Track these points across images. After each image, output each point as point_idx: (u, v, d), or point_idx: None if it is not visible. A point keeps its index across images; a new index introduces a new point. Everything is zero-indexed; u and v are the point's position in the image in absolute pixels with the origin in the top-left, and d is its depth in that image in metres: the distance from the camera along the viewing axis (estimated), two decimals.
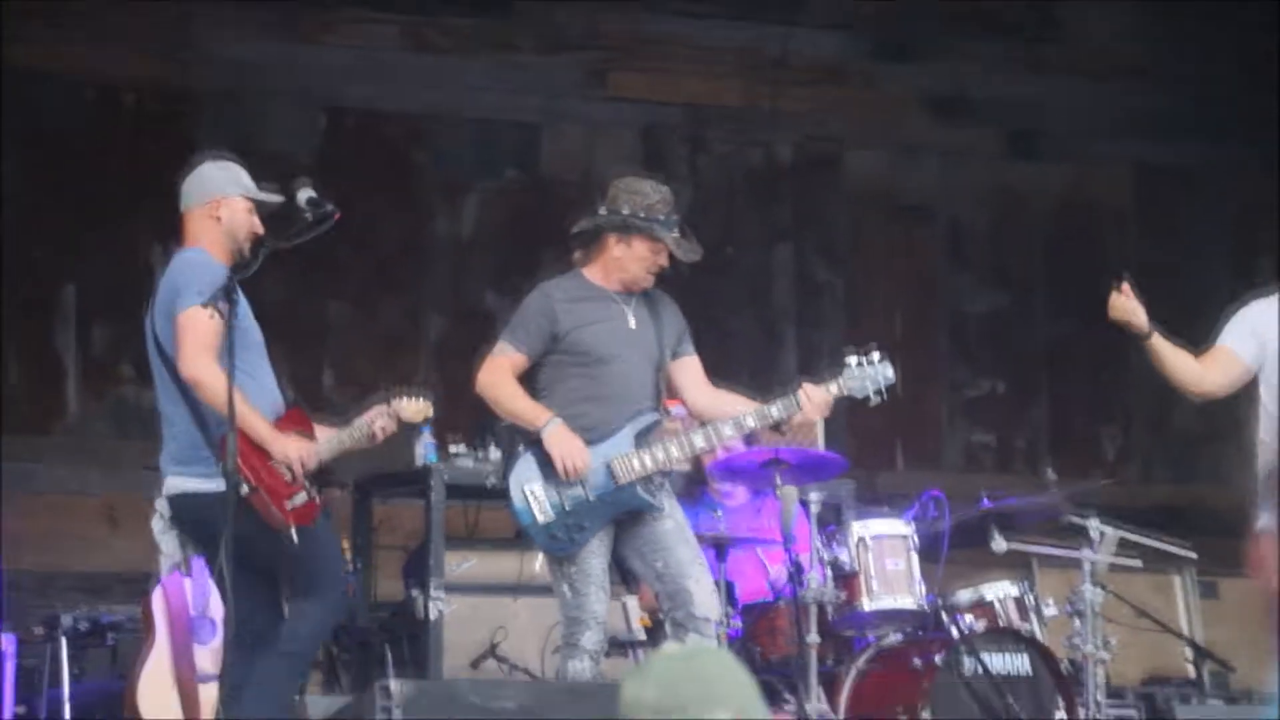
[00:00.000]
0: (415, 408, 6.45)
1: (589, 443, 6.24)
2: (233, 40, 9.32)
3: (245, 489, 5.95)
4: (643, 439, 6.29)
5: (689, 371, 6.44)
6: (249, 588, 6.01)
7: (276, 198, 6.23)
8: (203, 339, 6.00)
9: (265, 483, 6.06)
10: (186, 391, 6.12)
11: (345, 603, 6.41)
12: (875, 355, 6.52)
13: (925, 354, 10.35)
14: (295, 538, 6.01)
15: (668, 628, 6.41)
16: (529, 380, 6.35)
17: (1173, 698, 8.28)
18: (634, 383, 6.32)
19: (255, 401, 6.07)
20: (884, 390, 6.52)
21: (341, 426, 6.34)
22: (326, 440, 6.25)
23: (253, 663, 6.05)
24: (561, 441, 6.20)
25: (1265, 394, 6.13)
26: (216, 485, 5.96)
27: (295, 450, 6.07)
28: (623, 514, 6.29)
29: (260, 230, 6.25)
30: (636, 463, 6.24)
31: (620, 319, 6.33)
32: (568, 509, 6.23)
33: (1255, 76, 10.61)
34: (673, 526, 6.31)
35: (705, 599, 6.25)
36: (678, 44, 9.98)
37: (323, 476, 6.21)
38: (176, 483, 6.20)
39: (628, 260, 6.34)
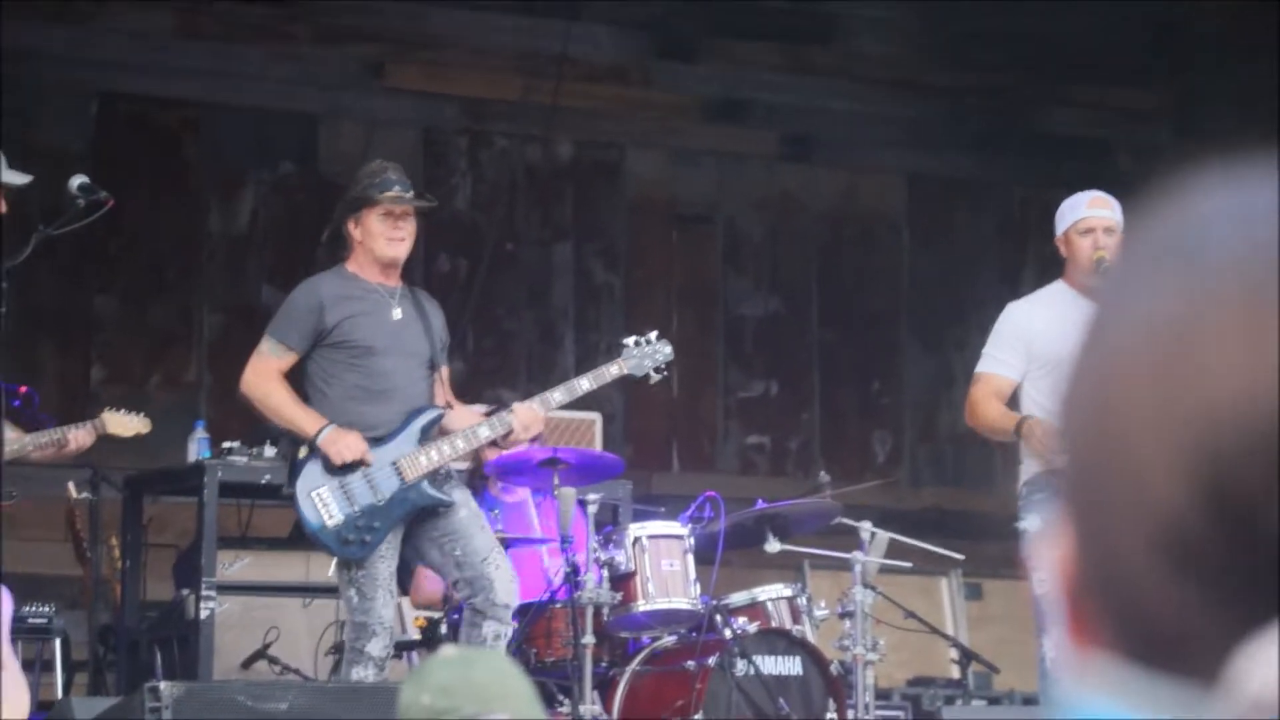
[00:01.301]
0: (128, 423, 6.32)
1: (372, 442, 6.19)
2: (3, 22, 9.08)
3: None
4: (426, 435, 6.26)
5: (442, 383, 6.46)
6: None
7: (20, 179, 6.03)
8: None
9: None
10: None
11: None
12: (653, 335, 6.65)
13: (702, 357, 10.41)
14: None
15: (465, 614, 6.39)
16: (298, 375, 6.28)
17: (938, 698, 8.41)
18: (407, 376, 6.28)
19: None
20: (663, 367, 6.62)
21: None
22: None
23: None
24: (335, 440, 6.15)
25: (1031, 393, 6.26)
26: None
27: None
28: (413, 512, 6.25)
29: (2, 210, 6.04)
30: (423, 459, 6.21)
31: (385, 310, 6.30)
32: (357, 511, 6.17)
33: (1026, 87, 10.86)
34: (467, 515, 6.31)
35: (505, 586, 6.26)
36: (457, 38, 9.93)
37: None
38: None
39: (368, 238, 6.29)
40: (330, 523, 6.18)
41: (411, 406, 6.27)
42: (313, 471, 6.20)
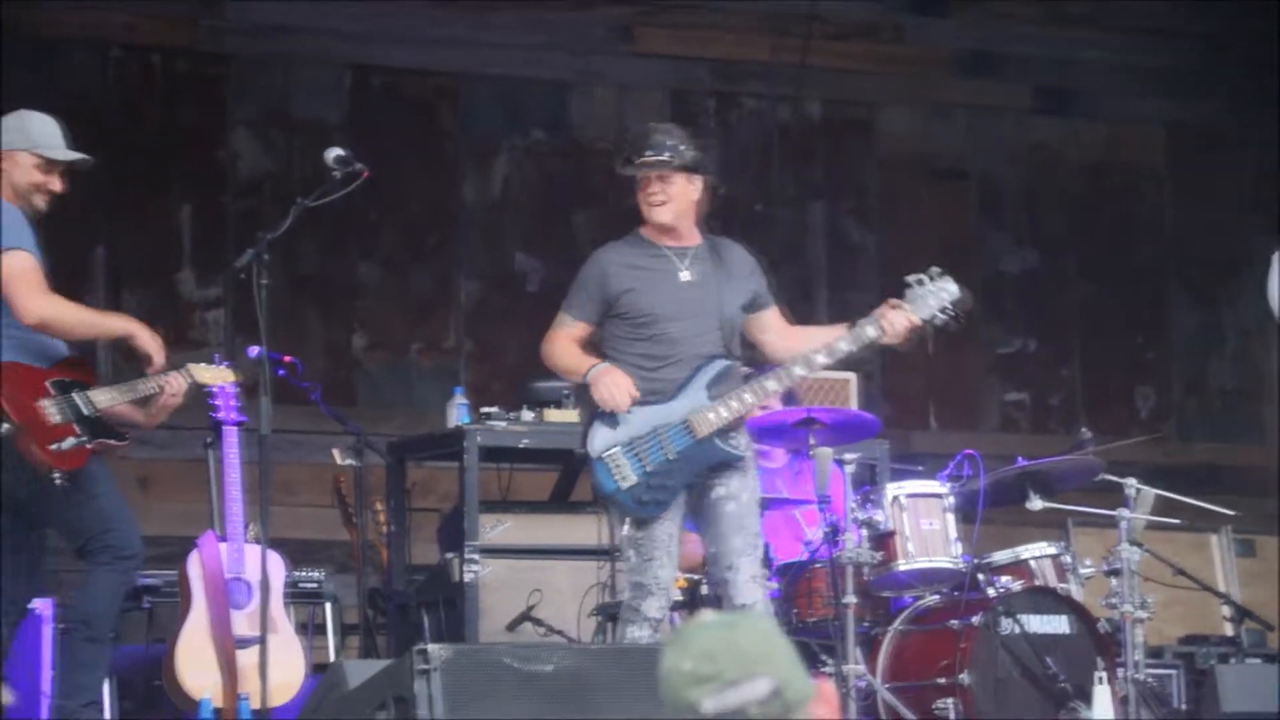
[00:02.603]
0: (212, 373, 6.41)
1: (660, 400, 6.18)
2: (261, 1, 9.30)
3: (5, 427, 5.94)
4: (715, 388, 6.21)
5: (766, 325, 6.33)
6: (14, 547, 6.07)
7: (73, 156, 6.21)
8: (34, 281, 6.10)
9: (29, 421, 6.00)
10: None
11: (133, 565, 6.25)
12: (934, 271, 6.36)
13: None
14: (59, 481, 5.98)
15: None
16: (595, 351, 6.31)
17: (1212, 656, 8.26)
18: (698, 338, 6.23)
19: (36, 346, 6.08)
20: (950, 307, 6.31)
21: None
22: (109, 389, 6.21)
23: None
24: (602, 378, 6.14)
25: None
26: None
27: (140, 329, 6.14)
28: (704, 470, 6.22)
29: (56, 188, 6.26)
30: (712, 415, 6.17)
31: (671, 274, 6.26)
32: (649, 470, 6.18)
33: None
34: (733, 510, 6.20)
35: (745, 588, 6.19)
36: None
37: (101, 427, 6.14)
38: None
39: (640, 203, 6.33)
40: (625, 485, 6.18)
41: (698, 360, 6.22)
42: (603, 434, 6.20)
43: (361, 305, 9.46)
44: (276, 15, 9.32)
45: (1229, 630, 8.82)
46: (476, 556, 7.42)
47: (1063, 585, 7.18)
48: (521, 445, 7.61)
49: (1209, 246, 10.48)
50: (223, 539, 6.80)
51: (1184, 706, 7.93)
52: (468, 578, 7.38)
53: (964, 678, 6.79)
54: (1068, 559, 7.27)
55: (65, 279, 8.99)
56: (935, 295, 6.29)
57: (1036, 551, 7.27)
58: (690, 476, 6.19)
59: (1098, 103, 10.49)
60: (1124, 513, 7.10)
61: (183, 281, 9.21)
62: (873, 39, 10.20)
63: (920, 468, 7.62)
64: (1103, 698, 6.33)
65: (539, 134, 9.79)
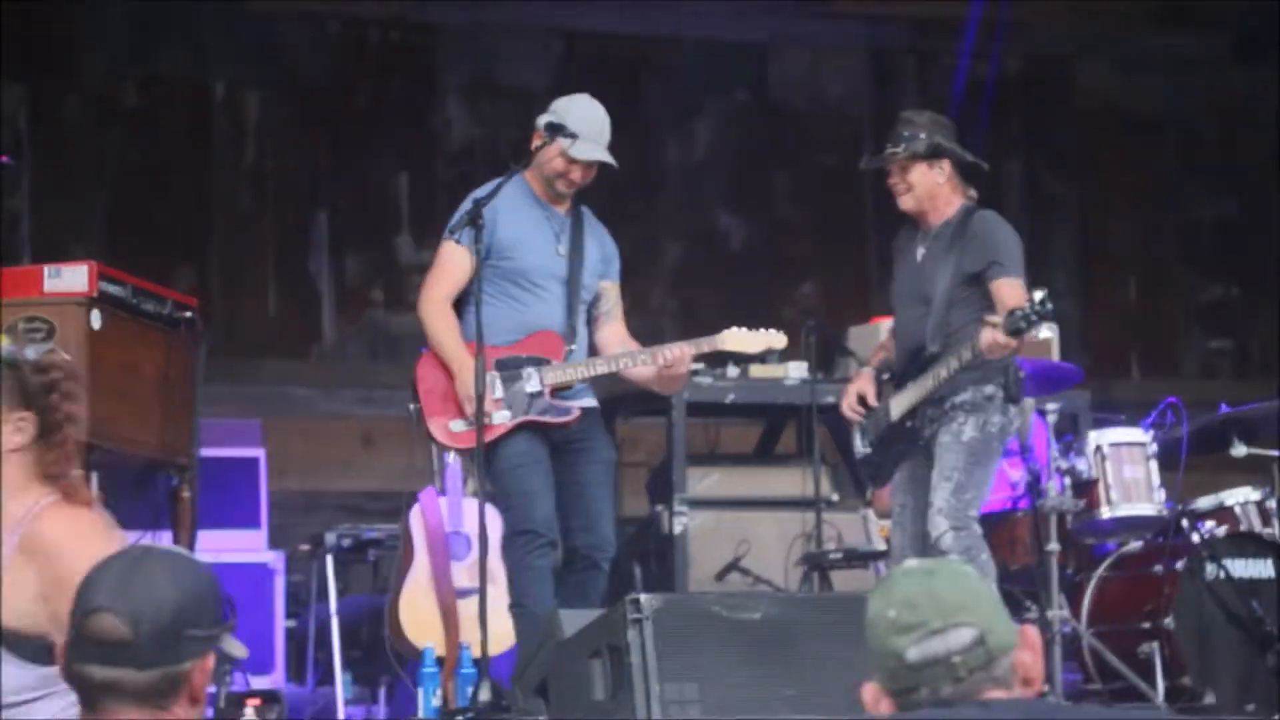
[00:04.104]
0: (750, 339, 6.22)
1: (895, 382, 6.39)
2: None
3: (411, 407, 6.06)
4: (922, 371, 6.30)
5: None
6: None
7: (593, 157, 6.23)
8: (435, 270, 6.14)
9: (432, 403, 6.05)
10: None
11: (522, 538, 6.02)
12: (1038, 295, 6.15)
13: (1158, 263, 10.28)
14: (450, 459, 6.10)
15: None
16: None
17: None
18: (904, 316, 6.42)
19: (494, 327, 6.00)
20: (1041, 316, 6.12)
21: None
22: (562, 366, 6.10)
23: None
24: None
25: None
26: None
27: (464, 384, 5.94)
28: (911, 450, 6.33)
29: (577, 180, 6.23)
30: (905, 399, 6.33)
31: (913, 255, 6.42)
32: (870, 440, 6.41)
33: None
34: (932, 475, 6.26)
35: (930, 519, 6.27)
36: None
37: (538, 404, 6.05)
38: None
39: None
40: (860, 451, 6.43)
41: (913, 346, 6.36)
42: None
43: None
44: None
45: None
46: (685, 508, 7.57)
47: (1268, 530, 7.16)
48: (728, 400, 7.75)
49: None
50: (443, 494, 7.01)
51: None
52: (677, 529, 7.52)
53: (1168, 622, 6.82)
54: (1272, 504, 7.26)
55: (291, 242, 9.36)
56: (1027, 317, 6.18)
57: (1240, 497, 7.26)
58: (902, 458, 6.42)
59: None
60: None
61: (401, 245, 9.47)
62: None
63: (1123, 416, 7.64)
64: None
65: (740, 95, 9.91)
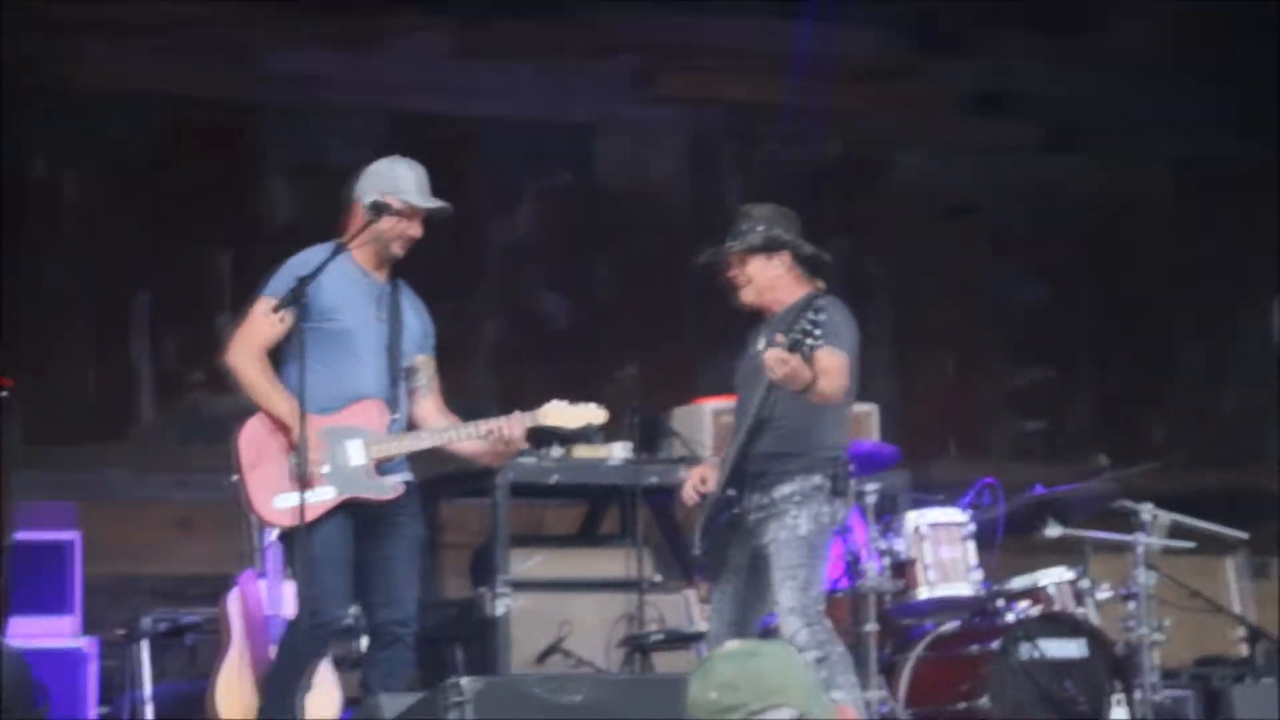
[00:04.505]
0: (571, 413, 6.12)
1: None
2: (292, 52, 9.48)
3: (233, 478, 5.89)
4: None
5: None
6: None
7: (435, 204, 6.13)
8: (246, 325, 6.02)
9: (255, 478, 5.87)
10: None
11: (308, 631, 5.89)
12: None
13: (972, 346, 10.45)
14: (271, 535, 5.93)
15: None
16: None
17: (1226, 678, 8.37)
18: None
19: (315, 392, 5.80)
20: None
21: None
22: (392, 438, 5.97)
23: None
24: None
25: None
26: None
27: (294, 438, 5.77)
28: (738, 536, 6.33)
29: (416, 234, 6.11)
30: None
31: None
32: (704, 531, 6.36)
33: None
34: (770, 574, 6.25)
35: (786, 626, 6.24)
36: (724, 44, 10.08)
37: (360, 480, 5.92)
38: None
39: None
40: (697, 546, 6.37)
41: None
42: None
43: None
44: (307, 66, 9.50)
45: (1243, 651, 8.92)
46: (507, 590, 7.54)
47: (1079, 610, 7.29)
48: (551, 481, 7.76)
49: (1214, 277, 10.63)
50: (262, 576, 6.94)
51: None
52: (499, 611, 7.49)
53: (983, 702, 6.91)
54: (1084, 584, 7.38)
55: (110, 323, 9.24)
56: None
57: (1054, 577, 7.37)
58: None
59: (1104, 139, 10.64)
60: (1140, 537, 7.22)
61: (223, 326, 9.37)
62: (886, 79, 10.36)
63: (940, 496, 7.73)
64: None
65: (563, 177, 9.96)
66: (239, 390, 5.96)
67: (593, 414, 6.14)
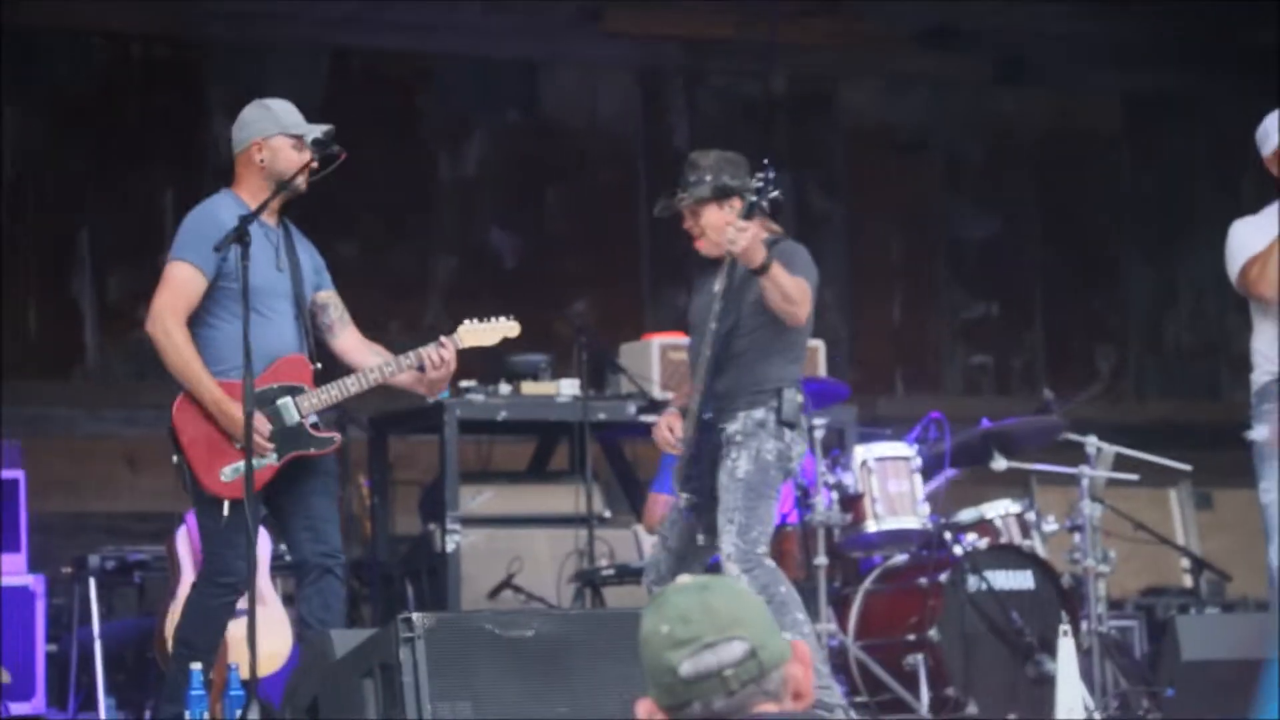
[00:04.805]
0: (486, 331, 6.09)
1: None
2: None
3: (174, 459, 5.81)
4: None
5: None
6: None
7: (322, 128, 5.98)
8: (164, 294, 5.86)
9: (198, 454, 5.79)
10: None
11: (206, 601, 5.84)
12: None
13: (923, 281, 10.48)
14: (225, 511, 5.76)
15: None
16: None
17: (1172, 607, 8.45)
18: None
19: (234, 354, 5.71)
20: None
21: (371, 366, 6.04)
22: (321, 390, 5.93)
23: None
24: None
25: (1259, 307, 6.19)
26: None
27: (233, 428, 5.70)
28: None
29: (315, 165, 5.95)
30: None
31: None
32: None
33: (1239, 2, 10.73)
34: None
35: (726, 572, 6.23)
36: None
37: (300, 437, 5.88)
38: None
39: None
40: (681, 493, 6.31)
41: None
42: None
43: (340, 285, 9.58)
44: (253, 2, 9.44)
45: (1188, 582, 9.01)
46: (457, 526, 7.55)
47: (1026, 542, 7.33)
48: (500, 418, 7.76)
49: (1163, 209, 10.68)
50: None
51: (1145, 656, 8.11)
52: (449, 547, 7.50)
53: (932, 634, 6.95)
54: (1031, 516, 7.43)
55: (51, 260, 9.19)
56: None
57: (1001, 510, 7.42)
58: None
59: (1055, 72, 10.66)
60: (1085, 470, 7.26)
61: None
62: (835, 15, 10.35)
63: (888, 431, 7.77)
64: (1066, 650, 6.49)
65: (511, 114, 9.93)
66: (163, 361, 5.84)
67: (506, 328, 6.11)
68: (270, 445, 5.81)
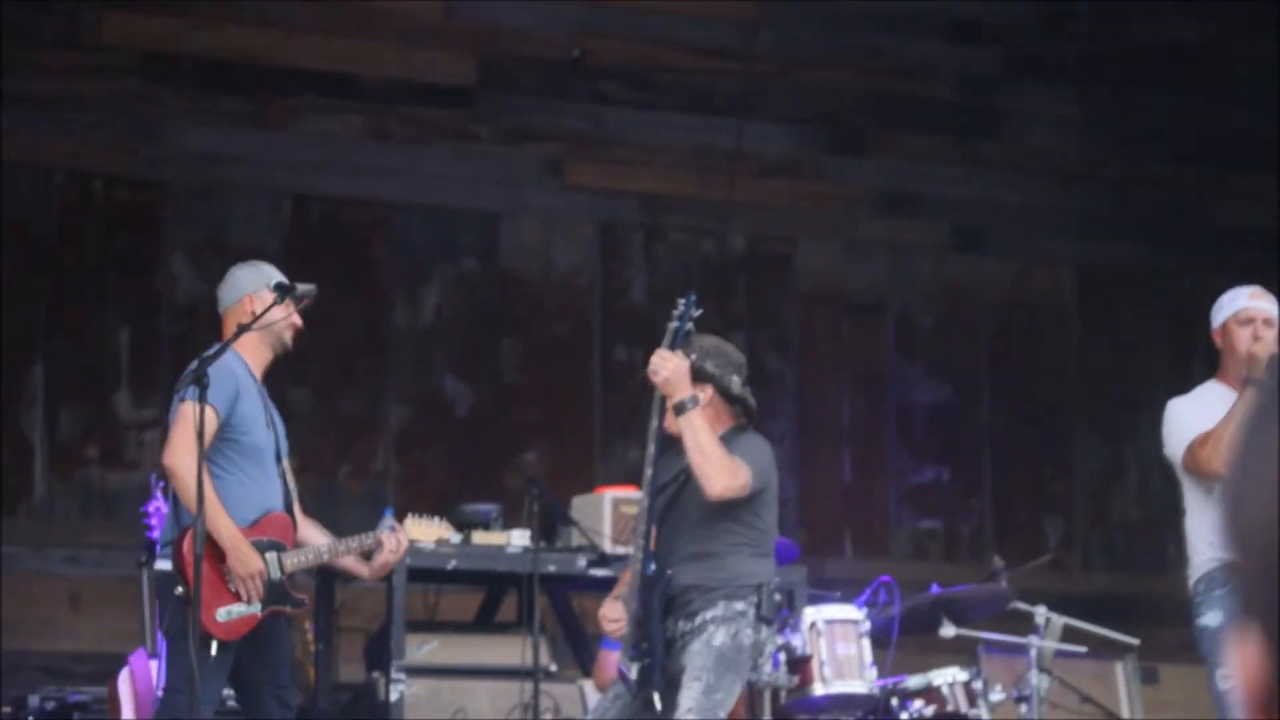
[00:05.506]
0: (428, 529, 6.41)
1: None
2: (200, 130, 9.45)
3: (179, 590, 5.89)
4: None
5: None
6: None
7: (306, 287, 6.20)
8: (186, 431, 5.92)
9: (206, 586, 5.89)
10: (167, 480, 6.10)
11: None
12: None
13: (873, 444, 10.51)
14: (214, 650, 5.90)
15: None
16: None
17: None
18: None
19: (234, 505, 5.96)
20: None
21: (335, 539, 6.26)
22: (300, 552, 6.13)
23: None
24: None
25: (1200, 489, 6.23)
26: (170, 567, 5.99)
27: (244, 568, 5.93)
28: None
29: (299, 323, 6.23)
30: None
31: None
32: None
33: (1194, 178, 10.91)
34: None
35: None
36: (634, 137, 10.16)
37: (281, 593, 6.06)
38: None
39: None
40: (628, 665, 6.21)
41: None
42: None
43: (292, 429, 9.55)
44: (215, 144, 9.48)
45: None
46: (402, 676, 7.48)
47: (973, 710, 7.29)
48: (449, 567, 7.71)
49: (1114, 383, 10.76)
50: (154, 656, 6.84)
51: None
52: (393, 697, 7.42)
53: None
54: (978, 685, 7.39)
55: (4, 397, 9.13)
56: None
57: (948, 677, 7.38)
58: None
59: (1011, 241, 10.77)
60: (1034, 640, 7.25)
61: (119, 402, 9.29)
62: (795, 176, 10.46)
63: (838, 594, 7.75)
64: None
65: (469, 263, 9.97)
66: (178, 493, 5.92)
67: (443, 528, 6.47)
68: (260, 594, 5.95)
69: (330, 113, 9.69)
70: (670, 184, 10.17)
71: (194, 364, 6.05)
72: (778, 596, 6.17)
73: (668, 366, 5.94)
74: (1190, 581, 6.14)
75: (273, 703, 6.04)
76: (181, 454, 5.88)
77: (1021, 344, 10.77)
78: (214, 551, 5.91)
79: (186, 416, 5.92)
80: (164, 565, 6.05)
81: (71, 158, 9.28)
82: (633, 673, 6.07)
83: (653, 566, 6.06)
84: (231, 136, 9.49)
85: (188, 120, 9.43)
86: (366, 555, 6.29)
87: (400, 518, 7.80)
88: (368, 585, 7.95)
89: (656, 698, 6.01)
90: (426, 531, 6.40)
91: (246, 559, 5.91)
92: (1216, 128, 10.79)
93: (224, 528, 5.90)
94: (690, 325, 6.03)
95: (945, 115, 10.62)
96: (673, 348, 5.96)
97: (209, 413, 5.88)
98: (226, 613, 5.91)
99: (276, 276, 6.24)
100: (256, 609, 5.96)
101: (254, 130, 9.54)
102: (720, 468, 5.97)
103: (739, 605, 6.08)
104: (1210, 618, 6.03)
